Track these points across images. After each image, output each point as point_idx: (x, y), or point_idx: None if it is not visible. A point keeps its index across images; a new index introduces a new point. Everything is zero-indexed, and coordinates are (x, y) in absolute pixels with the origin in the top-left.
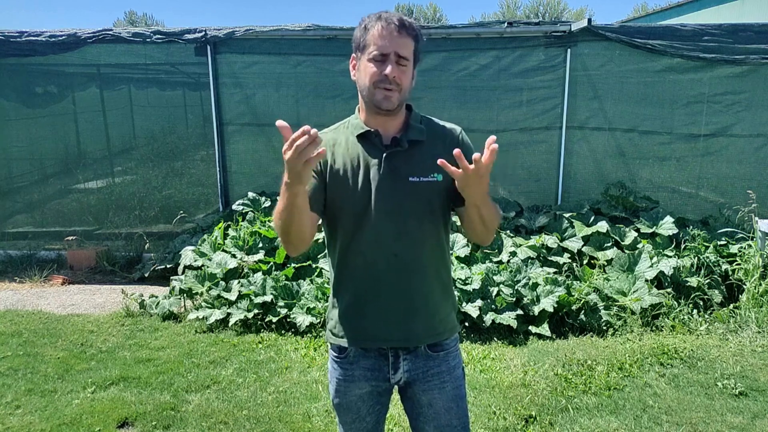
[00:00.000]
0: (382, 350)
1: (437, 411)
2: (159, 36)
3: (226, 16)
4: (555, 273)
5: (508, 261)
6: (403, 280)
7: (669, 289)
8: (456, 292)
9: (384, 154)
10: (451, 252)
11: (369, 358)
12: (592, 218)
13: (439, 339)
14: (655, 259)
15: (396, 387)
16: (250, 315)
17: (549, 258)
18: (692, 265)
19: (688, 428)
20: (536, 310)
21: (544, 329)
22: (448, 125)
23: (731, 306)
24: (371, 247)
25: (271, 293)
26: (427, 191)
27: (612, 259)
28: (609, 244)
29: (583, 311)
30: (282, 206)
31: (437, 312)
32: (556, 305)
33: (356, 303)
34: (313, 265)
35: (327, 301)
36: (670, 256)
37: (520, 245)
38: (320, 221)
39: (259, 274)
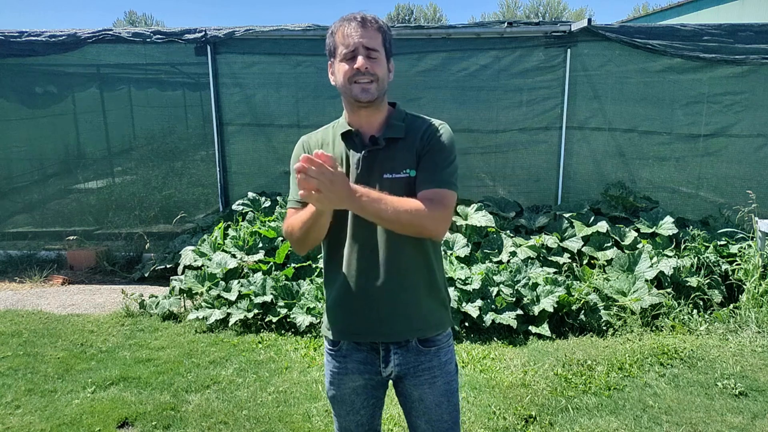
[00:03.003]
0: (374, 344)
1: (428, 406)
2: (159, 36)
3: (226, 16)
4: (555, 273)
5: (508, 261)
6: (380, 276)
7: (669, 289)
8: (455, 292)
9: (362, 153)
10: (451, 252)
11: (361, 352)
12: (592, 218)
13: (424, 335)
14: (655, 259)
15: (391, 383)
16: (250, 315)
17: (549, 258)
18: (692, 265)
19: (688, 428)
20: (536, 310)
21: (544, 329)
22: (430, 120)
23: (731, 306)
24: (350, 243)
25: (271, 293)
26: (401, 187)
27: (612, 259)
28: (609, 244)
29: (583, 311)
30: (306, 222)
31: (420, 308)
32: (556, 305)
33: (340, 298)
34: (313, 265)
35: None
36: (670, 256)
37: (520, 245)
38: None
39: (259, 274)
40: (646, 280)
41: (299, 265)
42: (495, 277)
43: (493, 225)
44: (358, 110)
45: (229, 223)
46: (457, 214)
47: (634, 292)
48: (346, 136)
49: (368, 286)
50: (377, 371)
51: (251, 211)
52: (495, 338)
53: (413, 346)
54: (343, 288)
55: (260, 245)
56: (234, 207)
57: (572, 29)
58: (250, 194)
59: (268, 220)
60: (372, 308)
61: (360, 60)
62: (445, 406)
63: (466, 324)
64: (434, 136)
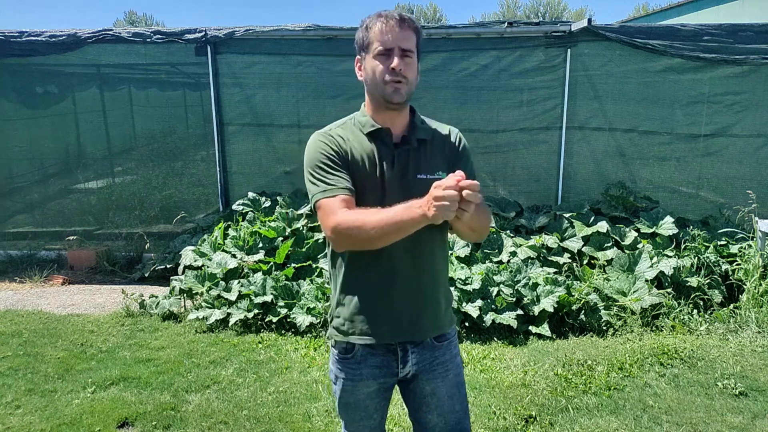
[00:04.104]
0: (390, 346)
1: (440, 399)
2: (159, 36)
3: (226, 16)
4: (555, 273)
5: (508, 261)
6: (413, 276)
7: (669, 289)
8: (456, 292)
9: (395, 152)
10: (451, 252)
11: (376, 356)
12: (592, 218)
13: (444, 330)
14: (655, 259)
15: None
16: (250, 315)
17: (549, 258)
18: (692, 265)
19: (688, 428)
20: (536, 310)
21: (544, 329)
22: (447, 127)
23: (731, 306)
24: (390, 247)
25: (271, 293)
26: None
27: (612, 259)
28: (609, 244)
29: (583, 311)
30: (395, 223)
31: (441, 304)
32: (556, 305)
33: (369, 300)
34: (313, 265)
35: (327, 301)
36: (670, 256)
37: (520, 245)
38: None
39: (259, 274)
40: (646, 280)
41: (299, 265)
42: (495, 277)
43: (494, 225)
44: (384, 110)
45: (229, 223)
46: None
47: (634, 292)
48: (376, 135)
49: (401, 286)
50: (393, 373)
51: (251, 211)
52: (495, 338)
53: (428, 343)
54: (374, 290)
55: (260, 245)
56: (234, 207)
57: (572, 29)
58: (251, 194)
59: (269, 220)
60: (404, 308)
61: (396, 60)
62: (457, 397)
63: (467, 324)
64: (461, 145)
